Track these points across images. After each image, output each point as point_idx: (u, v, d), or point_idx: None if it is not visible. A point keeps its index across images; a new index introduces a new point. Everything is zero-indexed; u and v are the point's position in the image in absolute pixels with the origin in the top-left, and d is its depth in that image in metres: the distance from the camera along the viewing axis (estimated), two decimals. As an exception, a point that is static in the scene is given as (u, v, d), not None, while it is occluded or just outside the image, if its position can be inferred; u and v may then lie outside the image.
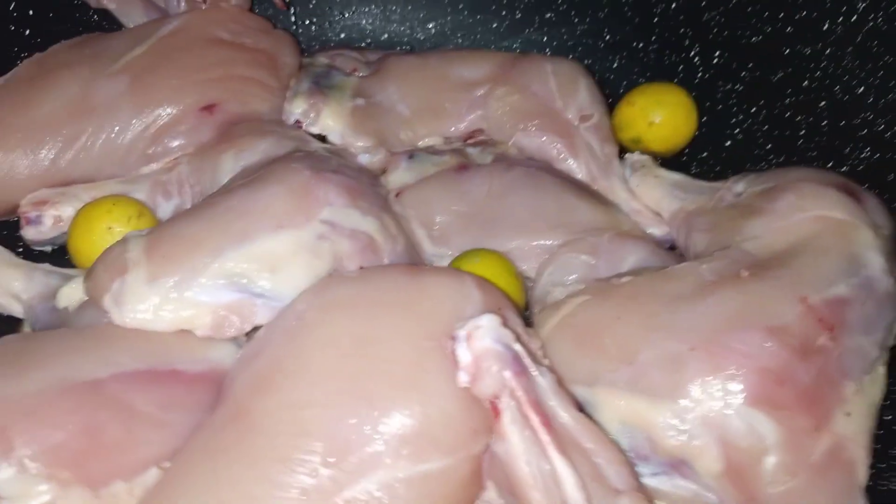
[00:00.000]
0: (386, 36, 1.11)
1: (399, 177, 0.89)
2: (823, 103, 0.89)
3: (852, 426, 0.60)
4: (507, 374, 0.53)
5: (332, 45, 1.11)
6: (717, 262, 0.68)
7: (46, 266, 0.79)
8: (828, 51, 0.88)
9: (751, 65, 0.95)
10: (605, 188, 0.89)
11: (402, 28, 1.11)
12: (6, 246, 0.82)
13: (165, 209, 0.85)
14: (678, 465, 0.61)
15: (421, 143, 0.94)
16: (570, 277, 0.77)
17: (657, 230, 0.86)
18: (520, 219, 0.83)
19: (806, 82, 0.90)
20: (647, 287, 0.67)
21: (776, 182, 0.75)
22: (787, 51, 0.91)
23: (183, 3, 0.96)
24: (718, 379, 0.59)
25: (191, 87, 0.88)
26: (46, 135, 0.84)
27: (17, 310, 0.78)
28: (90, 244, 0.79)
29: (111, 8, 0.98)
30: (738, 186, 0.80)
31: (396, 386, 0.55)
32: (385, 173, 0.90)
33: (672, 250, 0.84)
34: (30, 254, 0.85)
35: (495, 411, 0.54)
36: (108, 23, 0.99)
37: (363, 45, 1.11)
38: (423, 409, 0.54)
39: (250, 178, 0.75)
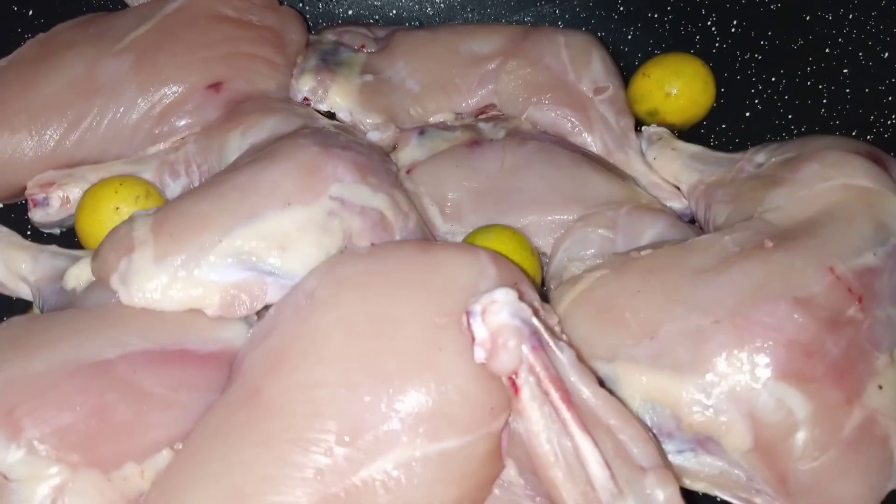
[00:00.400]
0: (394, 11, 1.09)
1: (410, 153, 0.87)
2: (846, 70, 0.87)
3: (884, 399, 0.58)
4: (525, 348, 0.51)
5: (339, 21, 1.09)
6: (739, 232, 0.66)
7: (53, 248, 0.77)
8: (850, 16, 0.86)
9: (770, 33, 0.93)
10: (621, 161, 0.87)
11: (411, 3, 1.09)
12: (15, 229, 0.81)
13: (173, 189, 0.84)
14: (704, 441, 0.59)
15: (431, 119, 0.92)
16: (588, 252, 0.75)
17: (676, 203, 0.84)
18: (534, 194, 0.81)
19: (828, 49, 0.88)
20: (668, 259, 0.66)
21: (799, 151, 0.74)
22: (808, 17, 0.89)
23: (187, -19, 0.94)
24: (745, 352, 0.57)
25: (196, 66, 0.86)
26: (51, 116, 0.83)
27: (25, 292, 0.77)
28: (97, 225, 0.78)
29: (115, -14, 0.97)
30: (759, 157, 0.78)
31: (411, 364, 0.54)
32: (395, 150, 0.88)
33: (691, 223, 0.82)
34: (39, 237, 0.84)
35: (514, 387, 0.52)
36: (112, 2, 0.97)
37: (371, 20, 1.09)
38: (438, 387, 0.53)
39: (258, 155, 0.74)
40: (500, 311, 0.52)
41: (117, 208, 0.78)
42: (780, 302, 0.59)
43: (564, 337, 0.58)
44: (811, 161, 0.70)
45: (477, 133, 0.89)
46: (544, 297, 0.69)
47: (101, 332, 0.61)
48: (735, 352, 0.58)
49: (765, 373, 0.57)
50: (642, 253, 0.68)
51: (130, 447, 0.57)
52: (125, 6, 0.95)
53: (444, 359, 0.54)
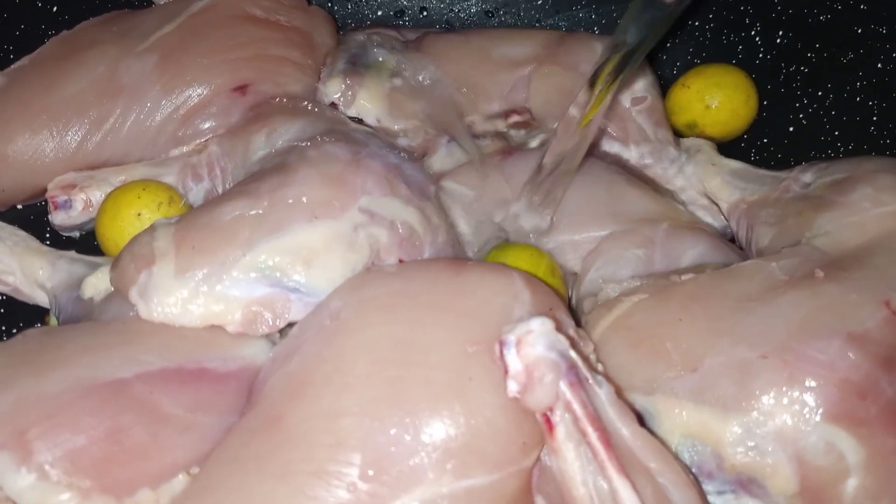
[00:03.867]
0: (425, 13, 1.07)
1: (439, 161, 0.85)
2: (899, 86, 0.84)
3: (942, 446, 0.55)
4: (563, 384, 0.49)
5: (368, 22, 1.07)
6: (787, 259, 0.63)
7: (72, 254, 0.76)
8: (905, 30, 0.82)
9: (818, 45, 0.90)
10: (659, 175, 0.85)
11: (442, 5, 1.07)
12: (33, 232, 0.80)
13: (196, 192, 0.82)
14: (747, 483, 0.56)
15: (462, 118, 0.89)
16: (624, 272, 0.72)
17: (715, 220, 0.81)
18: (567, 207, 0.79)
19: (880, 64, 0.85)
20: (712, 286, 0.63)
21: (849, 172, 0.70)
22: (860, 30, 0.86)
23: (214, -21, 0.92)
24: (793, 390, 0.54)
25: (222, 67, 0.84)
26: (73, 116, 0.81)
27: (42, 298, 0.76)
28: (119, 231, 0.77)
29: (140, -16, 0.95)
30: (806, 176, 0.75)
31: (439, 395, 0.51)
32: (424, 158, 0.86)
33: (731, 242, 0.79)
34: (58, 240, 0.83)
35: (549, 425, 0.49)
36: (138, 0, 0.95)
37: (401, 22, 1.07)
38: (468, 420, 0.50)
39: (283, 162, 0.72)
40: (536, 343, 0.49)
41: (139, 214, 0.76)
42: (833, 337, 0.56)
43: (601, 369, 0.55)
44: (863, 184, 0.67)
45: (508, 141, 0.86)
46: (576, 321, 0.66)
47: (117, 349, 0.59)
48: (784, 389, 0.55)
49: (815, 413, 0.54)
50: (683, 277, 0.65)
51: (145, 472, 0.55)
52: (150, 4, 0.94)
53: (474, 390, 0.51)
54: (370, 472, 0.50)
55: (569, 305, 0.74)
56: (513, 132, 0.88)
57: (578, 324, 0.63)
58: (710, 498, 0.57)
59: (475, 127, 0.89)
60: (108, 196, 0.79)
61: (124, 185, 0.79)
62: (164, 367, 0.59)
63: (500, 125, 0.89)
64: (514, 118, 0.89)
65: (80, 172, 0.82)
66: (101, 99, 0.82)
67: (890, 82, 0.84)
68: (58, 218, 0.81)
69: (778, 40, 0.94)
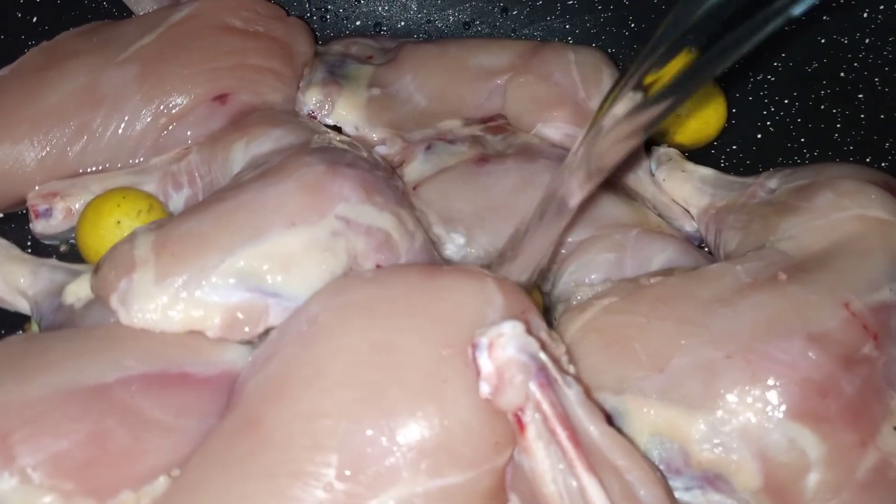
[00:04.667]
0: (403, 24, 1.08)
1: (416, 169, 0.86)
2: (861, 95, 0.85)
3: (900, 441, 0.57)
4: (532, 385, 0.50)
5: (347, 33, 1.08)
6: (752, 262, 0.65)
7: (53, 261, 0.76)
8: (867, 41, 0.84)
9: (784, 55, 0.92)
10: (630, 181, 0.86)
11: (420, 16, 1.08)
12: (15, 241, 0.80)
13: (176, 200, 0.83)
14: (713, 479, 0.58)
15: (439, 126, 0.90)
16: (595, 276, 0.74)
17: (686, 225, 0.83)
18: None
19: (843, 73, 0.87)
20: (679, 289, 0.64)
21: (813, 178, 0.72)
22: (823, 40, 0.88)
23: (194, -10, 0.93)
24: (757, 389, 0.56)
25: (203, 77, 0.85)
26: (54, 126, 0.82)
27: (23, 306, 0.76)
28: (99, 239, 0.77)
29: (121, -6, 0.95)
30: (772, 182, 0.77)
31: (415, 396, 0.52)
32: (402, 165, 0.87)
33: (700, 246, 0.81)
34: (39, 249, 0.83)
35: (519, 425, 0.51)
36: (118, 10, 0.96)
37: (379, 32, 1.08)
38: (442, 421, 0.51)
39: (262, 170, 0.73)
40: (507, 346, 0.51)
41: (119, 222, 0.77)
42: (795, 338, 0.57)
43: (572, 370, 0.57)
44: (826, 190, 0.69)
45: (484, 147, 0.87)
46: (548, 324, 0.68)
47: (99, 354, 0.60)
48: (747, 388, 0.56)
49: (777, 411, 0.56)
50: (652, 280, 0.67)
51: (127, 474, 0.56)
52: (130, 14, 0.94)
53: (448, 392, 0.52)
54: (347, 473, 0.51)
55: (543, 309, 0.76)
56: (490, 138, 0.89)
57: (551, 326, 0.65)
58: (678, 494, 0.58)
59: (452, 134, 0.90)
60: (89, 205, 0.79)
61: (104, 194, 0.80)
62: (145, 372, 0.60)
63: (477, 131, 0.90)
64: (491, 124, 0.90)
65: (61, 181, 0.82)
66: (81, 108, 0.82)
67: (852, 91, 0.86)
68: (38, 226, 0.82)
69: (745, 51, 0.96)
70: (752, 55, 0.93)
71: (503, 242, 0.78)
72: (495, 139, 0.89)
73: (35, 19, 0.92)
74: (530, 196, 0.80)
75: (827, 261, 0.63)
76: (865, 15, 0.83)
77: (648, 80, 0.54)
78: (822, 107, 0.89)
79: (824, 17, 0.87)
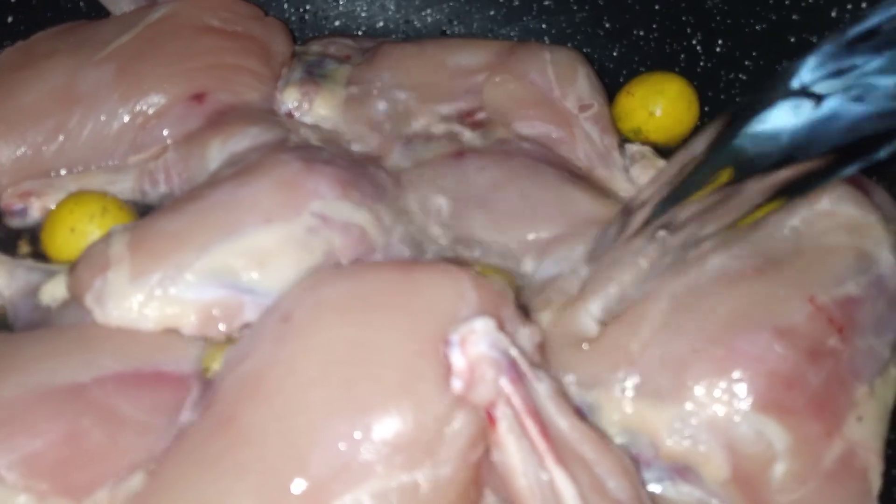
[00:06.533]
0: (381, 24, 1.09)
1: (393, 163, 0.86)
2: (830, 93, 0.87)
3: (864, 431, 0.58)
4: (503, 381, 0.51)
5: (325, 32, 1.08)
6: (720, 258, 0.66)
7: (29, 262, 0.76)
8: (836, 39, 0.85)
9: (755, 53, 0.93)
10: (605, 178, 0.87)
11: (398, 16, 1.09)
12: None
13: (152, 198, 0.83)
14: (682, 471, 0.59)
15: (417, 121, 0.91)
16: (568, 272, 0.74)
17: (659, 223, 0.84)
18: (518, 209, 0.80)
19: (813, 72, 0.88)
20: (651, 284, 0.65)
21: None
22: (793, 39, 0.89)
23: (171, -10, 0.93)
24: (725, 382, 0.57)
25: (180, 76, 0.85)
26: (30, 125, 0.81)
27: (-2, 307, 0.76)
28: (57, 249, 0.77)
29: (97, -6, 0.95)
30: (742, 179, 0.78)
31: (389, 392, 0.53)
32: (379, 161, 0.87)
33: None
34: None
35: (491, 420, 0.51)
36: (95, 10, 0.96)
37: (358, 32, 1.09)
38: (416, 417, 0.52)
39: (238, 168, 0.73)
40: (478, 342, 0.52)
41: (72, 229, 0.76)
42: (761, 331, 0.58)
43: (545, 364, 0.58)
44: (794, 186, 0.70)
45: (462, 143, 0.88)
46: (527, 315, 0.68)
47: (74, 354, 0.60)
48: (715, 381, 0.57)
49: (744, 403, 0.57)
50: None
51: (103, 473, 0.56)
52: (107, 15, 0.94)
53: (422, 388, 0.53)
54: (321, 469, 0.51)
55: (518, 304, 0.76)
56: (468, 134, 0.90)
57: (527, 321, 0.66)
58: (650, 485, 0.59)
59: (429, 130, 0.90)
60: (48, 214, 0.79)
61: (61, 202, 0.79)
62: (120, 371, 0.60)
63: (455, 128, 0.91)
64: (469, 119, 0.91)
65: (37, 180, 0.82)
66: (58, 108, 0.82)
67: (821, 89, 0.87)
68: (13, 224, 0.81)
69: (717, 49, 0.96)
70: (723, 54, 0.95)
71: (479, 235, 0.78)
72: (473, 135, 0.89)
73: (10, 20, 0.92)
74: (508, 190, 0.81)
75: (794, 257, 0.64)
76: (834, 14, 0.84)
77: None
78: (793, 105, 0.90)
79: (793, 17, 0.88)
